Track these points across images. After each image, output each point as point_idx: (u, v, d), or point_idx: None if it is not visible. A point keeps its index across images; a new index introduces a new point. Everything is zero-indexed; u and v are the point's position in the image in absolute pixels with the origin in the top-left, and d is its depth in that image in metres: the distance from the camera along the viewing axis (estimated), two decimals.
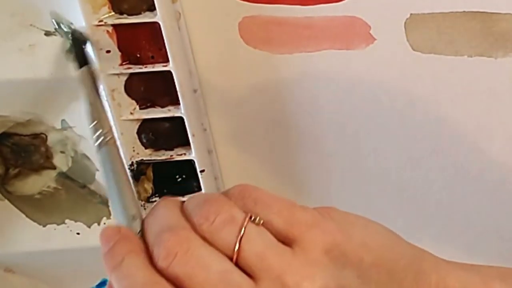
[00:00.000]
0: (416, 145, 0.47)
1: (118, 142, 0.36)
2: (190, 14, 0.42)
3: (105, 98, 0.42)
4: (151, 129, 0.45)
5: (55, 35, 0.42)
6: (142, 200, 0.46)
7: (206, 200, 0.30)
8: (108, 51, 0.42)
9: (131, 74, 0.43)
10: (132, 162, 0.45)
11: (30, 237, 0.52)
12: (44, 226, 0.52)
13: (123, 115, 0.44)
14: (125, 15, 0.41)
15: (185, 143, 0.45)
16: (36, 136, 0.48)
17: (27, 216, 0.52)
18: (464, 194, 0.49)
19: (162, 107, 0.44)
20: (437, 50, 0.42)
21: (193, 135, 0.44)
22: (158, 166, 0.47)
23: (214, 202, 0.29)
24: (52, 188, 0.51)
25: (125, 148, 0.44)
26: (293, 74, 0.44)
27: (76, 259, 0.52)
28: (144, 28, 0.41)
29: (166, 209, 0.30)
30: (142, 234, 0.30)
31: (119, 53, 0.42)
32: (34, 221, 0.52)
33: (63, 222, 0.52)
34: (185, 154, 0.45)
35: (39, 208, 0.52)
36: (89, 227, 0.52)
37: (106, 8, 0.41)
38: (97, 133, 0.35)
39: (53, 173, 0.50)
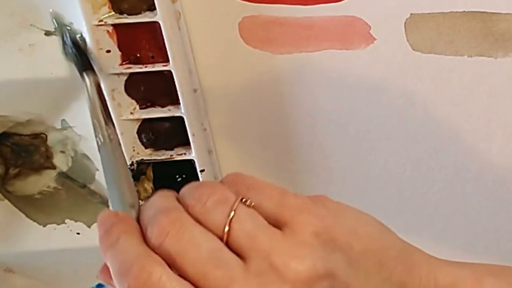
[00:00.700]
0: (416, 145, 0.47)
1: (119, 138, 0.37)
2: (190, 14, 0.42)
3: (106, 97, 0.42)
4: (151, 129, 0.45)
5: (55, 35, 0.42)
6: (142, 200, 0.46)
7: (200, 184, 0.31)
8: (108, 51, 0.42)
9: (131, 74, 0.43)
10: (132, 162, 0.45)
11: (30, 237, 0.52)
12: (44, 226, 0.52)
13: (123, 115, 0.44)
14: (125, 15, 0.41)
15: (185, 143, 0.45)
16: (36, 136, 0.48)
17: (27, 216, 0.52)
18: (464, 194, 0.49)
19: (162, 107, 0.44)
20: (437, 50, 0.42)
21: (193, 135, 0.44)
22: (158, 166, 0.47)
23: (208, 185, 0.30)
24: (52, 188, 0.51)
25: (125, 148, 0.44)
26: (293, 74, 0.44)
27: (76, 259, 0.52)
28: (144, 28, 0.41)
29: (161, 196, 0.31)
30: (138, 220, 0.31)
31: (119, 53, 0.42)
32: (34, 221, 0.52)
33: (63, 222, 0.52)
34: (185, 154, 0.45)
35: (39, 208, 0.52)
36: (89, 227, 0.52)
37: (106, 8, 0.41)
38: (98, 132, 0.36)
39: (53, 173, 0.50)
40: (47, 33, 0.43)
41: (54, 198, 0.51)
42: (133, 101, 0.44)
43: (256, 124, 0.47)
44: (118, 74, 0.43)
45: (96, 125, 0.37)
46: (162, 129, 0.45)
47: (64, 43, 0.41)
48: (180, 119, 0.43)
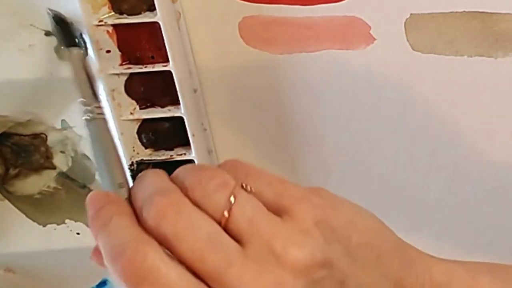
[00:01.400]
0: (416, 145, 0.47)
1: (107, 116, 0.36)
2: (190, 14, 0.42)
3: (96, 77, 0.41)
4: (151, 129, 0.45)
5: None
6: None
7: (199, 167, 0.30)
8: (108, 51, 0.42)
9: (131, 74, 0.43)
10: (132, 162, 0.45)
11: (30, 237, 0.52)
12: (44, 226, 0.52)
13: (123, 115, 0.44)
14: (125, 15, 0.41)
15: (185, 143, 0.45)
16: (36, 136, 0.48)
17: (27, 216, 0.52)
18: (464, 194, 0.49)
19: (162, 107, 0.44)
20: (437, 50, 0.42)
21: (193, 135, 0.44)
22: (158, 166, 0.47)
23: (208, 169, 0.30)
24: (52, 188, 0.51)
25: (125, 148, 0.44)
26: (293, 74, 0.45)
27: (76, 259, 0.52)
28: (144, 28, 0.41)
29: (154, 176, 0.30)
30: (130, 200, 0.30)
31: (119, 53, 0.42)
32: (34, 221, 0.52)
33: (63, 222, 0.52)
34: (185, 154, 0.45)
35: (39, 208, 0.52)
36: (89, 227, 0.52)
37: (106, 8, 0.41)
38: (85, 109, 0.35)
39: (53, 173, 0.50)
40: (47, 33, 0.43)
41: (54, 198, 0.51)
42: (133, 101, 0.44)
43: (256, 124, 0.47)
44: (118, 74, 0.43)
45: (84, 102, 0.36)
46: (162, 129, 0.45)
47: (51, 22, 0.41)
48: (180, 119, 0.43)
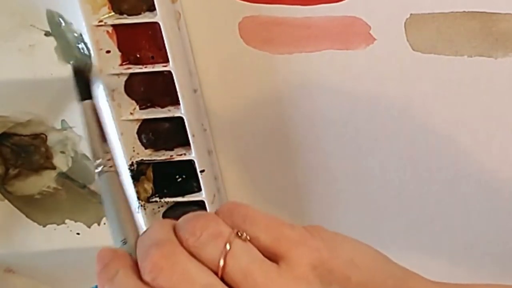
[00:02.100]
0: (416, 145, 0.47)
1: (118, 170, 0.36)
2: (190, 14, 0.42)
3: (107, 126, 0.41)
4: (151, 129, 0.45)
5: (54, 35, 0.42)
6: (142, 200, 0.46)
7: (195, 216, 0.30)
8: (108, 51, 0.42)
9: (131, 74, 0.43)
10: (132, 162, 0.45)
11: (30, 237, 0.52)
12: (44, 226, 0.52)
13: (123, 115, 0.44)
14: (125, 15, 0.41)
15: (185, 143, 0.45)
16: (36, 136, 0.48)
17: (27, 216, 0.52)
18: (464, 195, 0.49)
19: (162, 107, 0.44)
20: (437, 50, 0.42)
21: (193, 135, 0.44)
22: (158, 166, 0.47)
23: (202, 217, 0.30)
24: (52, 188, 0.51)
25: (125, 148, 0.44)
26: (293, 74, 0.44)
27: (76, 259, 0.52)
28: (144, 28, 0.41)
29: (157, 226, 0.31)
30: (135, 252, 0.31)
31: (119, 53, 0.42)
32: (34, 221, 0.52)
33: (63, 222, 0.52)
34: (185, 154, 0.45)
35: (39, 208, 0.52)
36: (89, 227, 0.52)
37: (106, 8, 0.41)
38: (97, 162, 0.36)
39: (53, 173, 0.50)
40: (47, 33, 0.43)
41: (54, 198, 0.51)
42: (133, 102, 0.44)
43: (256, 124, 0.47)
44: (118, 74, 0.43)
45: (94, 153, 0.37)
46: (162, 129, 0.45)
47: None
48: (180, 119, 0.43)
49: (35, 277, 0.56)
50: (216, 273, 0.28)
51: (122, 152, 0.44)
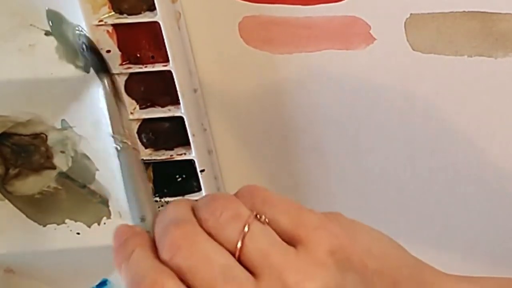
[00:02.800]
0: (416, 145, 0.47)
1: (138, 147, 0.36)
2: (190, 14, 0.42)
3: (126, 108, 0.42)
4: (151, 129, 0.45)
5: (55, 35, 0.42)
6: None
7: (214, 197, 0.30)
8: (108, 51, 0.42)
9: (131, 74, 0.43)
10: None
11: (30, 237, 0.52)
12: (44, 226, 0.52)
13: None
14: (125, 15, 0.41)
15: (185, 143, 0.45)
16: (36, 136, 0.48)
17: (27, 216, 0.52)
18: (464, 194, 0.49)
19: (162, 107, 0.44)
20: (437, 50, 0.42)
21: (193, 135, 0.44)
22: (158, 166, 0.47)
23: (222, 199, 0.30)
24: (52, 188, 0.51)
25: None
26: (293, 74, 0.44)
27: (76, 259, 0.52)
28: (144, 28, 0.41)
29: (176, 205, 0.31)
30: (153, 230, 0.31)
31: (119, 53, 0.42)
32: (34, 221, 0.52)
33: (63, 222, 0.52)
34: (185, 154, 0.45)
35: (39, 208, 0.52)
36: (89, 227, 0.52)
37: (106, 8, 0.41)
38: (117, 138, 0.36)
39: (53, 173, 0.50)
40: (47, 33, 0.43)
41: (54, 198, 0.51)
42: (133, 101, 0.44)
43: (256, 124, 0.47)
44: (118, 74, 0.43)
45: (115, 128, 0.37)
46: (162, 129, 0.45)
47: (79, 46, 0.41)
48: (180, 119, 0.43)
49: (35, 277, 0.56)
50: (233, 254, 0.28)
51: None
